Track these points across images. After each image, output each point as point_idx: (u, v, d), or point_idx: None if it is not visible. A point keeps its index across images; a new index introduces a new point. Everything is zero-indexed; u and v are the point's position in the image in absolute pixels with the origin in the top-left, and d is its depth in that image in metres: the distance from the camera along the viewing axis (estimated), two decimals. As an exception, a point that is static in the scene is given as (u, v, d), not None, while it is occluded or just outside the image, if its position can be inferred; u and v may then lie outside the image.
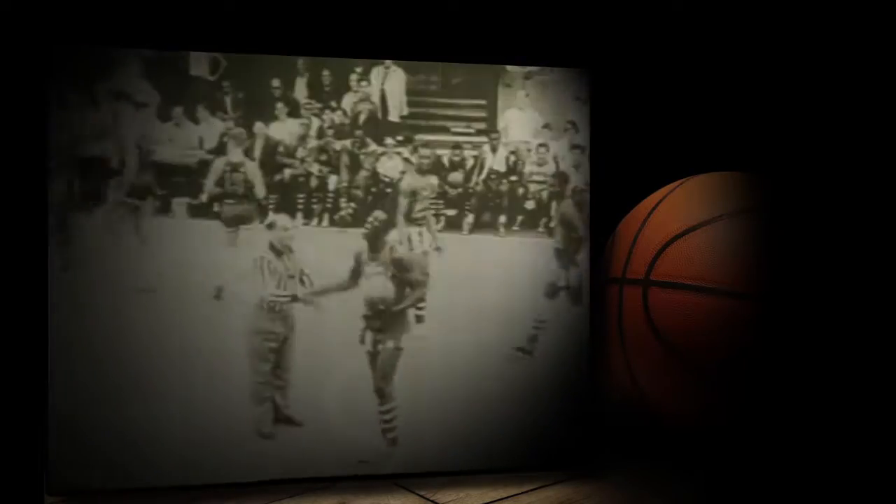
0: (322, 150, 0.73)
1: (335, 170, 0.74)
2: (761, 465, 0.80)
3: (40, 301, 0.71)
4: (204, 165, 0.71)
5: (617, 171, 0.96)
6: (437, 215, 0.75)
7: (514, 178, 0.76)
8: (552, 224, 0.76)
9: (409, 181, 0.74)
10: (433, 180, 0.74)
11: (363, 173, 0.74)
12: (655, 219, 0.79)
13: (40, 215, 0.70)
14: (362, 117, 0.74)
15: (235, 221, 0.72)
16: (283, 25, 0.98)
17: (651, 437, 0.85)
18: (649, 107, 1.09)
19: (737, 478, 0.77)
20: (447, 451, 0.75)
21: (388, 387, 0.74)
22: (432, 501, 0.71)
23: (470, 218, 0.76)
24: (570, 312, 0.76)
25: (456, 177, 0.75)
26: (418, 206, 0.74)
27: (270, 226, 0.72)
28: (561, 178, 0.76)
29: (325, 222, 0.73)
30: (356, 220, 0.74)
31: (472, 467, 0.75)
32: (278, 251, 0.72)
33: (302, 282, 0.72)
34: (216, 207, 0.71)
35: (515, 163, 0.76)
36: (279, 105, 0.72)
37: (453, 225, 0.75)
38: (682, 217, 0.77)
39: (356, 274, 0.73)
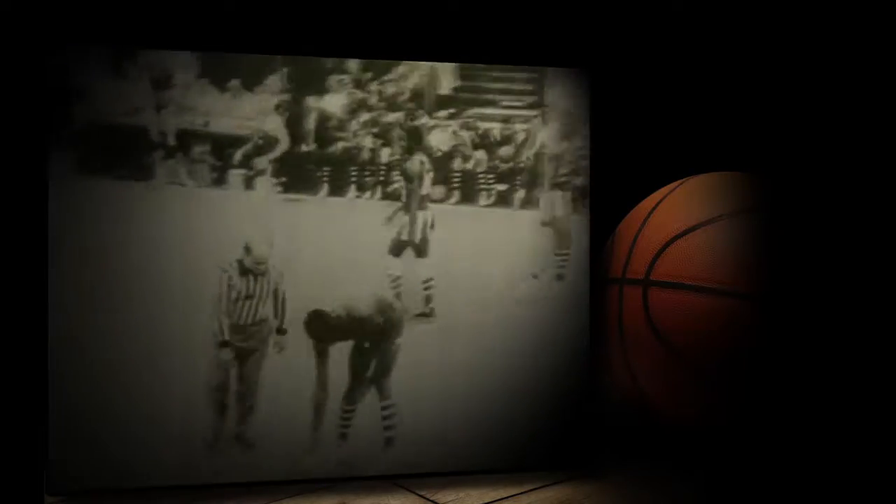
0: (374, 122, 0.73)
1: (387, 143, 0.74)
2: (761, 465, 0.80)
3: (40, 301, 0.71)
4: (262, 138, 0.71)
5: (617, 171, 0.96)
6: (487, 190, 0.75)
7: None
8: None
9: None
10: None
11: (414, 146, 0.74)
12: (655, 219, 0.79)
13: (40, 214, 0.70)
14: (414, 90, 0.73)
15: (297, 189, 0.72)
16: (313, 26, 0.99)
17: (651, 437, 0.85)
18: (649, 107, 1.09)
19: (737, 478, 0.77)
20: (447, 451, 0.75)
21: (388, 384, 0.74)
22: (432, 501, 0.71)
23: (521, 193, 0.76)
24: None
25: (507, 151, 0.75)
26: (562, 170, 0.75)
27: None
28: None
29: (378, 195, 0.73)
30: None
31: (472, 467, 0.75)
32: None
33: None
34: (264, 180, 0.71)
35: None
36: (332, 78, 0.72)
37: (504, 201, 0.75)
38: (682, 217, 0.77)
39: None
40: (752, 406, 0.75)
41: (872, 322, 0.76)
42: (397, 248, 0.74)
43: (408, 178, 0.73)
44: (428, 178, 0.74)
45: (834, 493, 0.75)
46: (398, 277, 0.73)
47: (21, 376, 0.80)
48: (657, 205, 0.81)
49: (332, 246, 0.72)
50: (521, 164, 0.75)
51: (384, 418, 0.74)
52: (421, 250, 0.74)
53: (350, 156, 0.73)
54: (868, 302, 0.76)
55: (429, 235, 0.74)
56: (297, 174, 0.72)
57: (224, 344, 0.71)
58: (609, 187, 0.86)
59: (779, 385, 0.74)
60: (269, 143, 0.71)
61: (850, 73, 1.01)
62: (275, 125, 0.71)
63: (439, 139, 0.74)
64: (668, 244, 0.77)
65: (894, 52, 0.97)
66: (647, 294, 0.76)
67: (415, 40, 1.01)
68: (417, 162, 0.73)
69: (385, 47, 0.98)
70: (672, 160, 0.99)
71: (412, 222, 0.74)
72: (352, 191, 0.73)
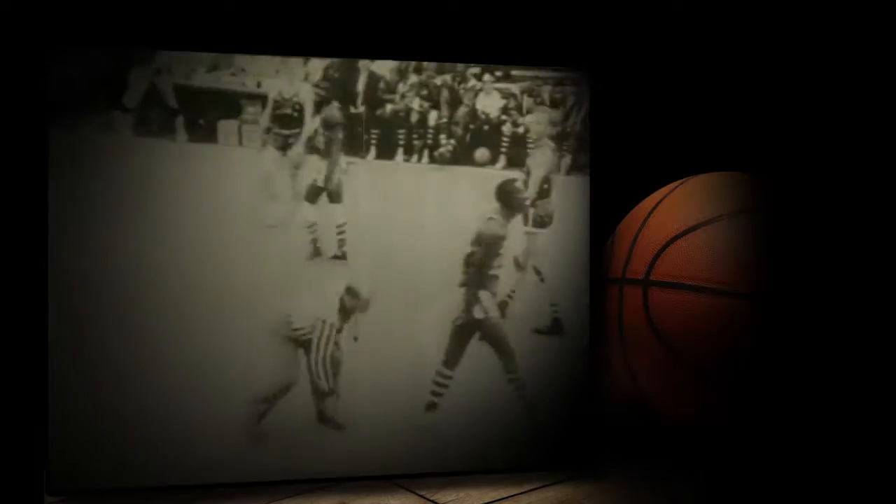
0: (423, 84, 0.73)
1: (435, 105, 0.73)
2: (761, 465, 0.80)
3: (40, 299, 0.71)
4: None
5: (617, 171, 0.96)
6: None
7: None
8: None
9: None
10: None
11: (462, 109, 0.74)
12: (655, 219, 0.79)
13: (40, 210, 0.70)
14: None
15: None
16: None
17: (651, 437, 0.85)
18: (649, 107, 1.09)
19: (737, 478, 0.77)
20: (447, 451, 0.75)
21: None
22: (432, 501, 0.71)
23: (567, 159, 0.75)
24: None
25: (555, 115, 0.75)
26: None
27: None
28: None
29: (426, 159, 0.73)
30: (455, 158, 0.73)
31: (472, 467, 0.75)
32: None
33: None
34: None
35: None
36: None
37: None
38: (682, 217, 0.77)
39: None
40: (752, 406, 0.75)
41: (872, 322, 0.76)
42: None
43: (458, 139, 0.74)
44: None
45: (834, 493, 0.75)
46: None
47: (21, 376, 0.80)
48: (657, 205, 0.81)
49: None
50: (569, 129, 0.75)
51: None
52: None
53: (398, 118, 0.73)
54: (868, 302, 0.76)
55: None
56: (347, 136, 0.72)
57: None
58: (609, 187, 0.86)
59: (778, 385, 0.74)
60: (316, 106, 0.71)
61: (850, 74, 1.01)
62: (322, 88, 0.71)
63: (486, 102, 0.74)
64: (668, 244, 0.77)
65: (894, 52, 0.97)
66: (647, 294, 0.76)
67: (414, 41, 1.01)
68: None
69: (376, 48, 0.98)
70: (672, 160, 0.99)
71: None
72: (399, 154, 0.73)
